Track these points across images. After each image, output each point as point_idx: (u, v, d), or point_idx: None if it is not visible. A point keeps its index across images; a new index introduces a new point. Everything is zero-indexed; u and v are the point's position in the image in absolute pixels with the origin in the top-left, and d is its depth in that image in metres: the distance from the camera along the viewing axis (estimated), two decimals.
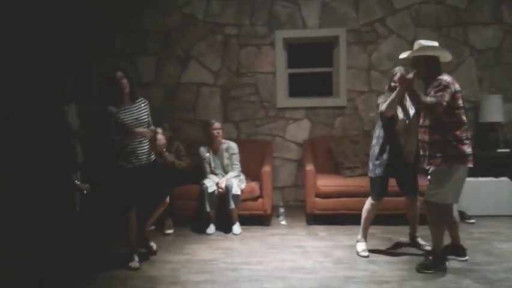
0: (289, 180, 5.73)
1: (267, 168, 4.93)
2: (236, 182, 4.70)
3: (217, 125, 4.84)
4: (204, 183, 4.67)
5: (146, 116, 3.77)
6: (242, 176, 4.93)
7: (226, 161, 4.88)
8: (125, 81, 3.61)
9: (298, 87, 5.81)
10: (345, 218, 4.77)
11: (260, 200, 4.87)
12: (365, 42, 5.55)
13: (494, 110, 5.17)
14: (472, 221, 4.81)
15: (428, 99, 3.22)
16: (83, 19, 5.69)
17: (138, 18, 5.68)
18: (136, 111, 3.69)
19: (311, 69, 5.77)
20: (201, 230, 4.70)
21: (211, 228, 4.69)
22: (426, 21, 5.44)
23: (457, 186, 3.41)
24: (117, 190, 3.73)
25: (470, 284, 3.31)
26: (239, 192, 4.67)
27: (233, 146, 4.93)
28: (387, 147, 3.76)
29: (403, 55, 3.54)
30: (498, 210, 5.00)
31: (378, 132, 3.86)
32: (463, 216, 4.88)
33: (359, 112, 5.63)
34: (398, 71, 3.69)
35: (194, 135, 5.67)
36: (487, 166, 5.09)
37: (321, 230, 4.68)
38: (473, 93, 5.43)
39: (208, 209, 4.64)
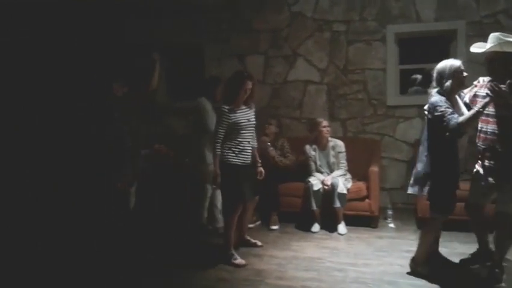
0: (398, 181, 5.49)
1: (374, 168, 4.78)
2: (342, 181, 4.63)
3: (325, 122, 4.84)
4: (309, 181, 4.68)
5: (254, 119, 3.94)
6: (348, 175, 4.85)
7: (332, 160, 4.83)
8: (251, 88, 3.85)
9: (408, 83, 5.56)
10: (460, 225, 4.46)
11: (367, 200, 4.74)
12: (486, 35, 5.09)
13: None
14: None
15: None
16: (203, 17, 5.97)
17: (252, 17, 5.83)
18: (248, 112, 3.89)
19: (425, 65, 5.46)
20: (306, 227, 4.71)
21: (316, 227, 4.67)
22: None
23: None
24: (229, 186, 3.85)
25: None
26: (345, 191, 4.59)
27: (340, 144, 4.86)
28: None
29: (476, 49, 3.14)
30: None
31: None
32: None
33: None
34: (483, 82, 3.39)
35: (300, 133, 5.69)
36: None
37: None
38: None
39: (313, 207, 4.63)
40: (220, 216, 4.54)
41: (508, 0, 5.01)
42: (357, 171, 4.95)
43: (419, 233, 4.39)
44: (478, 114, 2.99)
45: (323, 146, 4.87)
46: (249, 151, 3.88)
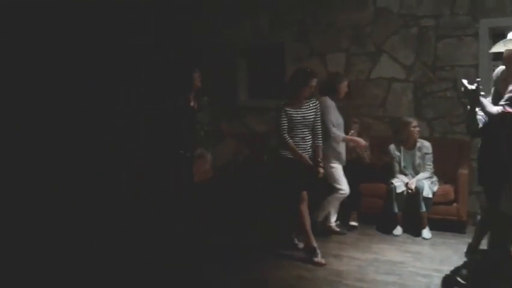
0: None
1: (463, 171, 4.54)
2: (428, 184, 4.45)
3: (415, 122, 4.72)
4: (392, 183, 4.55)
5: (312, 116, 4.00)
6: (434, 178, 4.64)
7: (418, 161, 4.65)
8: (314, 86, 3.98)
9: None
10: None
11: (455, 204, 4.52)
12: None
13: None
14: None
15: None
16: (283, 16, 6.01)
17: (334, 14, 5.76)
18: (304, 110, 3.97)
19: None
20: (387, 230, 4.58)
21: (398, 230, 4.53)
22: None
23: None
24: (284, 180, 4.04)
25: None
26: (431, 195, 4.42)
27: (427, 145, 4.67)
28: None
29: (496, 48, 2.96)
30: None
31: None
32: None
33: None
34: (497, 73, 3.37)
35: (381, 132, 5.53)
36: None
37: None
38: None
39: (395, 210, 4.49)
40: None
41: None
42: (444, 173, 4.73)
43: None
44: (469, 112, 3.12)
45: (409, 147, 4.71)
46: (304, 147, 3.97)
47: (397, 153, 4.72)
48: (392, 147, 4.75)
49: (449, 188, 4.58)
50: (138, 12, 5.71)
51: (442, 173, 4.72)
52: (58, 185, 4.64)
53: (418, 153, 4.66)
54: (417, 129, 4.70)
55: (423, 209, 4.39)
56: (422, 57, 5.33)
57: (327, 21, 5.79)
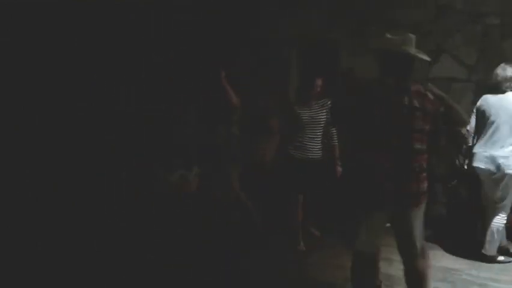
0: None
1: None
2: None
3: None
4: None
5: (324, 116, 4.03)
6: None
7: None
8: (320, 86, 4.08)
9: None
10: None
11: None
12: None
13: None
14: None
15: None
16: (338, 10, 5.91)
17: (393, 10, 5.62)
18: (315, 110, 4.04)
19: None
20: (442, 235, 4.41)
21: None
22: None
23: None
24: (285, 176, 4.18)
25: None
26: None
27: None
28: None
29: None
30: None
31: None
32: None
33: None
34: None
35: None
36: None
37: None
38: None
39: None
40: None
41: None
42: None
43: None
44: None
45: None
46: (311, 147, 4.06)
47: None
48: None
49: None
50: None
51: None
52: (58, 185, 4.72)
53: None
54: None
55: None
56: (487, 57, 5.09)
57: (387, 18, 5.65)
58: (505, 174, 3.64)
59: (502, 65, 3.94)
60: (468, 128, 3.80)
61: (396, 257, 3.86)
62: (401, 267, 3.63)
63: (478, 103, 3.90)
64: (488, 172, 3.74)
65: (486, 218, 3.81)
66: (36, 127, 4.84)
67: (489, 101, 3.82)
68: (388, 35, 2.58)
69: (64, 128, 5.04)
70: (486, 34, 5.10)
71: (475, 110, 3.87)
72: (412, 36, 2.64)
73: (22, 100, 4.77)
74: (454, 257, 3.94)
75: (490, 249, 3.75)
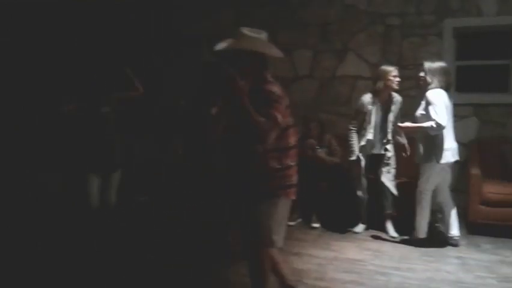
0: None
1: None
2: (393, 184, 4.45)
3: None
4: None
5: None
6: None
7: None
8: None
9: (467, 81, 5.25)
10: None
11: None
12: None
13: None
14: None
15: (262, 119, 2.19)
16: (248, 10, 5.93)
17: (301, 10, 5.71)
18: None
19: (484, 61, 5.16)
20: (349, 227, 4.57)
21: (360, 227, 4.53)
22: None
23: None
24: None
25: None
26: (395, 192, 4.42)
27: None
28: None
29: (220, 45, 2.40)
30: None
31: None
32: None
33: None
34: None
35: (347, 129, 5.52)
36: None
37: (485, 242, 4.19)
38: None
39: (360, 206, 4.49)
40: None
41: None
42: (402, 170, 4.71)
43: (469, 239, 4.22)
44: None
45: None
46: None
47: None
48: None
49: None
50: None
51: (400, 170, 4.68)
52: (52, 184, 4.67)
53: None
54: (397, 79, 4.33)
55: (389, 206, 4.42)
56: (388, 56, 5.36)
57: (295, 17, 5.75)
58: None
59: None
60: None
61: (306, 251, 3.98)
62: (313, 261, 3.75)
63: (444, 99, 3.80)
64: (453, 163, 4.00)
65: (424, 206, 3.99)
66: None
67: (446, 97, 3.85)
68: (245, 31, 2.42)
69: None
70: (388, 34, 5.36)
71: (443, 106, 3.75)
72: (258, 32, 2.49)
73: None
74: (359, 248, 4.05)
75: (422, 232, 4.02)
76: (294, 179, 2.46)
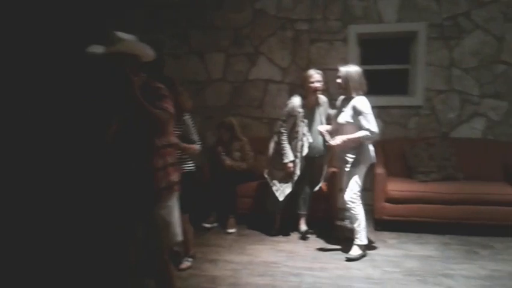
0: None
1: (332, 169, 4.74)
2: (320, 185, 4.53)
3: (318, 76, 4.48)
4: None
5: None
6: None
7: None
8: None
9: (370, 85, 5.49)
10: (416, 226, 4.50)
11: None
12: (446, 37, 5.15)
13: None
14: None
15: (157, 111, 2.32)
16: (162, 12, 5.79)
17: (212, 14, 5.68)
18: None
19: (385, 66, 5.47)
20: (264, 229, 4.61)
21: (274, 230, 4.56)
22: None
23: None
24: None
25: None
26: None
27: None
28: None
29: (95, 49, 2.34)
30: None
31: None
32: None
33: (436, 112, 5.25)
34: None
35: (261, 133, 5.60)
36: None
37: (390, 237, 4.41)
38: None
39: (275, 208, 4.52)
40: None
41: (468, 3, 5.05)
42: None
43: (377, 235, 4.43)
44: None
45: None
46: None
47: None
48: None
49: (324, 185, 4.70)
50: None
51: None
52: None
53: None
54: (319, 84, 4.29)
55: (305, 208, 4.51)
56: (297, 60, 5.49)
57: (207, 20, 5.70)
58: None
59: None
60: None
61: (221, 257, 3.94)
62: (228, 267, 3.71)
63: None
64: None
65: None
66: None
67: None
68: (121, 35, 2.36)
69: None
70: (297, 39, 5.49)
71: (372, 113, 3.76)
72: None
73: None
74: (273, 251, 4.08)
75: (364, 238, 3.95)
76: (176, 176, 2.53)
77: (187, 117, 3.63)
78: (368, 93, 5.41)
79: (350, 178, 3.85)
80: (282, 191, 4.38)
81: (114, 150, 2.38)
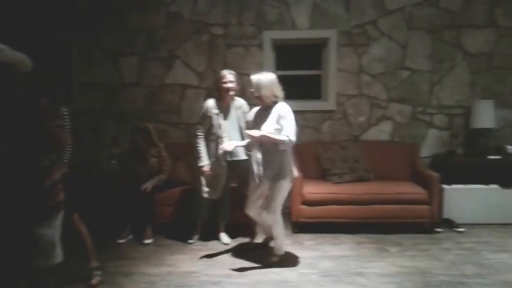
0: None
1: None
2: None
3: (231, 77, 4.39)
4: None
5: None
6: None
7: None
8: None
9: (286, 90, 5.60)
10: (332, 227, 4.66)
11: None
12: (355, 44, 5.40)
13: (485, 116, 5.05)
14: (461, 229, 4.71)
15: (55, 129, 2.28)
16: (73, 17, 5.50)
17: (125, 16, 5.47)
18: None
19: (299, 71, 5.62)
20: (184, 238, 4.51)
21: (195, 238, 4.50)
22: (419, 23, 5.30)
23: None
24: None
25: None
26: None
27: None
28: None
29: None
30: (488, 219, 4.91)
31: None
32: (451, 224, 4.80)
33: (348, 116, 5.49)
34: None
35: (178, 139, 5.50)
36: (477, 173, 5.02)
37: (307, 239, 4.53)
38: (465, 98, 5.33)
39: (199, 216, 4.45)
40: None
41: (375, 11, 5.32)
42: None
43: (294, 238, 4.52)
44: None
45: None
46: None
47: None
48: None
49: None
50: None
51: None
52: None
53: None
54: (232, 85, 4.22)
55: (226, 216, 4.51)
56: (214, 65, 5.46)
57: (121, 23, 5.48)
58: None
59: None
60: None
61: (137, 270, 3.79)
62: (145, 279, 3.58)
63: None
64: None
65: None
66: None
67: None
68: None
69: None
70: (213, 43, 5.46)
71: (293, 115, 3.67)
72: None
73: None
74: (193, 260, 4.00)
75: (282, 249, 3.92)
76: (63, 195, 2.42)
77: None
78: (284, 99, 5.57)
79: (274, 193, 3.65)
80: (210, 193, 4.29)
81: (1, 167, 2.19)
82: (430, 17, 5.28)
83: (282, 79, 5.50)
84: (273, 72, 5.33)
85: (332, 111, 5.48)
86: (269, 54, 5.43)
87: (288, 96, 5.53)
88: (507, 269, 3.70)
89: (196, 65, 5.49)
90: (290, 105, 5.35)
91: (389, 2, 5.30)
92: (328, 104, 5.48)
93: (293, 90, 5.60)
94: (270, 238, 4.13)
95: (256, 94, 3.65)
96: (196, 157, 4.27)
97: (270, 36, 5.40)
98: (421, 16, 5.29)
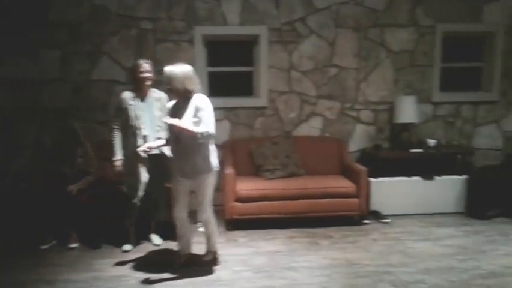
0: None
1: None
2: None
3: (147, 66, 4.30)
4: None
5: None
6: None
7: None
8: None
9: (218, 86, 5.60)
10: (265, 223, 4.70)
11: None
12: (285, 41, 5.46)
13: (408, 111, 5.31)
14: (387, 220, 4.92)
15: None
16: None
17: (47, 8, 5.15)
18: None
19: (231, 68, 5.59)
20: (112, 242, 4.34)
21: (128, 247, 4.23)
22: (345, 21, 5.46)
23: None
24: None
25: (387, 287, 3.32)
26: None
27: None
28: None
29: None
30: (412, 209, 5.18)
31: None
32: (378, 215, 5.01)
33: (279, 113, 5.54)
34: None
35: (106, 137, 5.26)
36: (400, 166, 5.28)
37: (241, 236, 4.53)
38: (389, 94, 5.57)
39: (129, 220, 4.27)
40: None
41: (304, 9, 5.40)
42: None
43: (228, 235, 4.50)
44: None
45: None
46: None
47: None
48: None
49: None
50: None
51: None
52: None
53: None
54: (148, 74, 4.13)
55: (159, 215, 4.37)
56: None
57: (42, 15, 5.15)
58: None
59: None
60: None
61: (61, 277, 3.56)
62: (70, 286, 3.39)
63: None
64: None
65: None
66: None
67: None
68: None
69: None
70: (141, 38, 5.29)
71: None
72: None
73: None
74: (121, 264, 3.85)
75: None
76: None
77: None
78: (215, 95, 5.54)
79: (203, 188, 3.55)
80: (135, 195, 4.11)
81: None
82: (356, 16, 5.45)
83: (213, 75, 5.56)
84: (204, 68, 5.37)
85: (264, 107, 5.51)
86: (200, 50, 5.35)
87: (220, 93, 5.58)
88: (429, 257, 3.92)
89: (124, 61, 5.29)
90: (223, 102, 5.39)
91: (317, 0, 5.40)
92: (260, 100, 5.51)
93: (225, 86, 5.62)
94: (188, 255, 3.90)
95: (168, 86, 3.48)
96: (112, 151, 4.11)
97: (200, 31, 5.31)
98: (348, 14, 5.45)
